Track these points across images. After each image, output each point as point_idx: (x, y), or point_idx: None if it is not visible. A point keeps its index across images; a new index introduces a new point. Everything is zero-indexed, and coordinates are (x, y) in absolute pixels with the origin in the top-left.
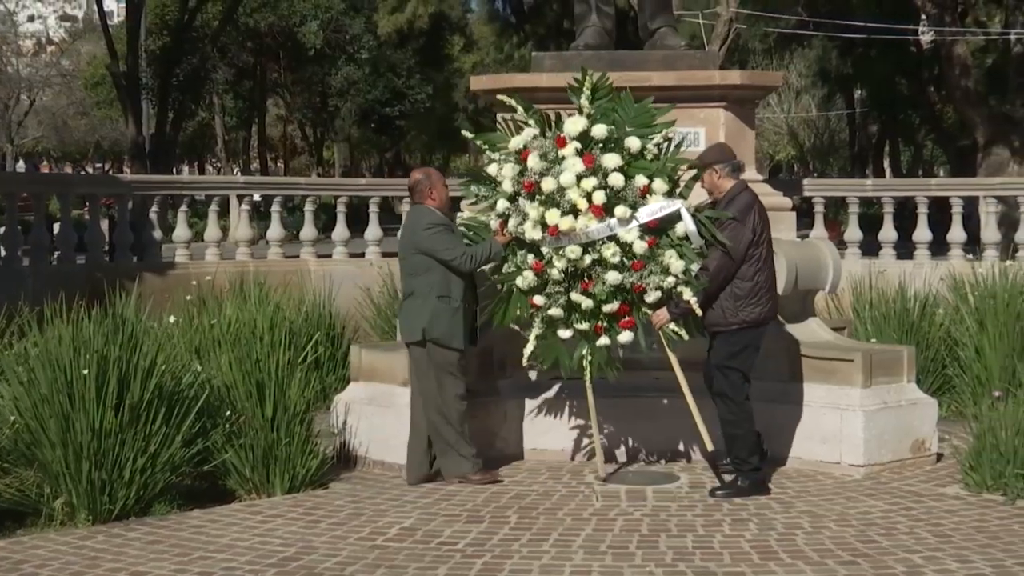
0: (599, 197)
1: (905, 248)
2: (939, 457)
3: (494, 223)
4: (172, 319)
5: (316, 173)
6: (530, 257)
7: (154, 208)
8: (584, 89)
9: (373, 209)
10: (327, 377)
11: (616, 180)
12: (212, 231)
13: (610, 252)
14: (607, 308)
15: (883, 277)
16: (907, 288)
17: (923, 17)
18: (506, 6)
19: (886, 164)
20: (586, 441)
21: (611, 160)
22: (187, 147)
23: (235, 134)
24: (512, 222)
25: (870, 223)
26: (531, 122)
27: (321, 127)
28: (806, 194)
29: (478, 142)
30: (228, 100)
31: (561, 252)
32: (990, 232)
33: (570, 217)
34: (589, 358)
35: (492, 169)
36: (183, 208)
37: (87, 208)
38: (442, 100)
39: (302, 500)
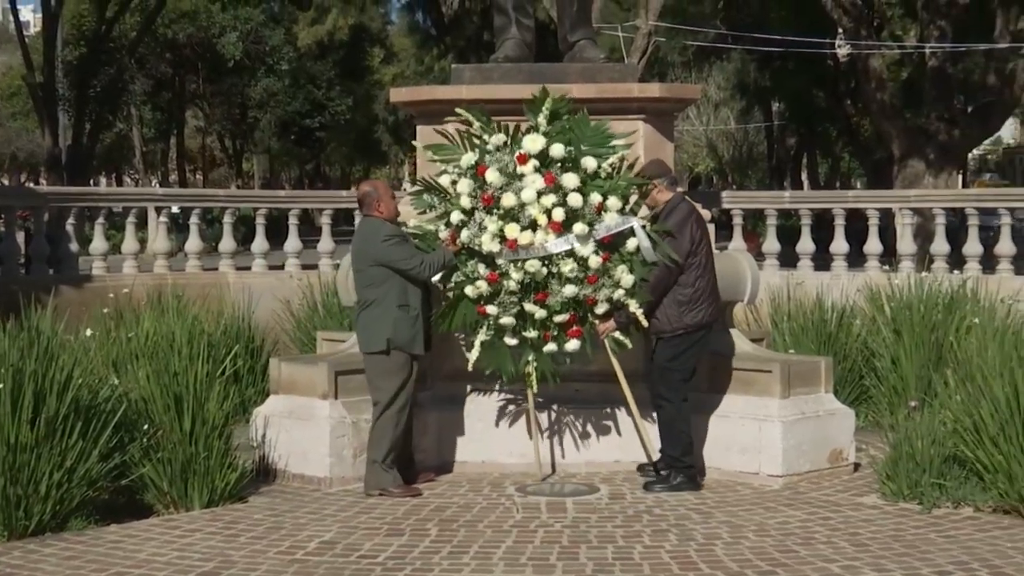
0: (559, 214)
1: (823, 260)
2: (856, 467)
3: (444, 233)
4: (89, 332)
5: (235, 185)
6: (481, 267)
7: (71, 220)
8: (543, 108)
9: (293, 221)
10: (246, 390)
11: (575, 200)
12: (130, 243)
13: (568, 268)
14: (558, 319)
15: (801, 288)
16: (825, 299)
17: (840, 31)
18: (426, 18)
19: (804, 176)
20: (506, 452)
21: (570, 180)
22: (104, 159)
23: (153, 146)
24: (466, 233)
25: (788, 235)
26: (486, 136)
27: (240, 139)
28: (725, 206)
29: (430, 153)
30: (146, 111)
31: (520, 265)
32: (906, 244)
33: (529, 231)
34: (534, 365)
35: (445, 180)
36: (100, 220)
37: (2, 220)
38: (362, 112)
39: (221, 514)
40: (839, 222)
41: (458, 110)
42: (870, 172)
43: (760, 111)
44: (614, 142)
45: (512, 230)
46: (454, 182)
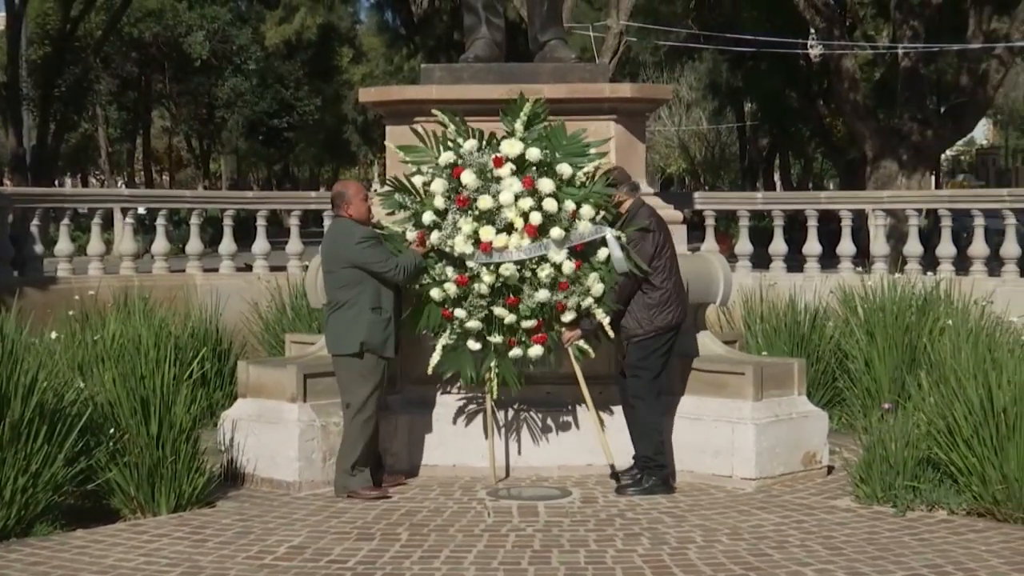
0: (536, 218)
1: (795, 261)
2: (830, 470)
3: (412, 234)
4: (54, 335)
5: (202, 186)
6: (449, 270)
7: (35, 221)
8: (521, 114)
9: (261, 222)
10: (214, 393)
11: (550, 205)
12: (95, 245)
13: (545, 273)
14: (526, 324)
15: (774, 290)
16: (797, 301)
17: (812, 31)
18: (395, 18)
19: (776, 177)
20: (477, 456)
21: (547, 185)
22: (69, 159)
23: (119, 146)
24: (436, 235)
25: (761, 236)
26: (460, 139)
27: (207, 139)
28: (697, 207)
29: (401, 153)
30: (112, 111)
31: (492, 268)
32: (879, 245)
33: (504, 235)
34: (496, 370)
35: (418, 181)
36: (65, 221)
37: None
38: (331, 112)
39: (188, 519)
40: (812, 223)
41: (434, 111)
42: (843, 173)
43: (732, 112)
44: (592, 151)
45: (487, 232)
46: (427, 183)
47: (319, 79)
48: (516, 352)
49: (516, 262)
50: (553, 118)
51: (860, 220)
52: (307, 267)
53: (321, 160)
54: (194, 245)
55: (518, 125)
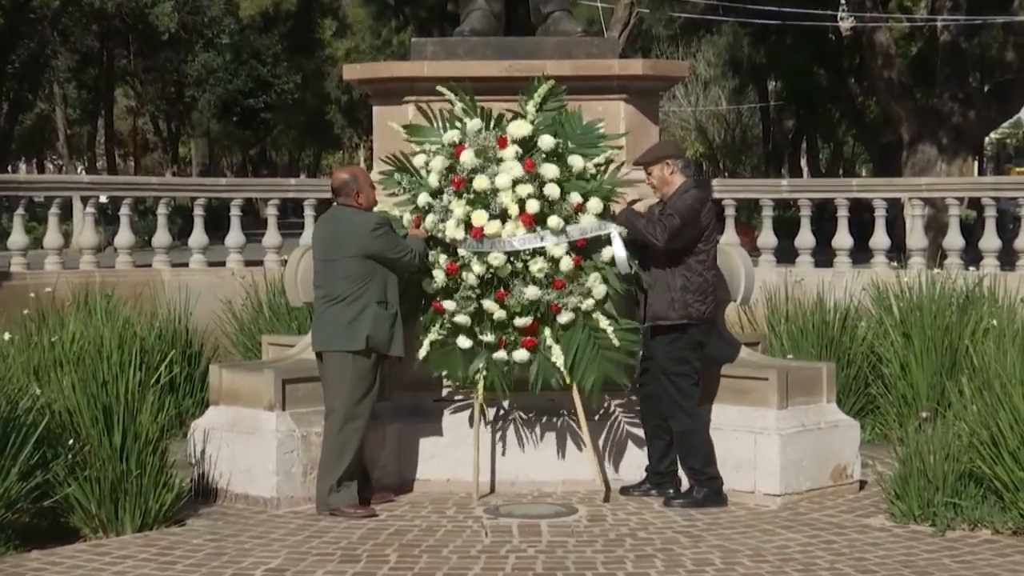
0: (532, 206)
1: (824, 255)
2: (862, 485)
3: (408, 218)
4: (7, 336)
5: (171, 172)
6: (443, 258)
7: None
8: (535, 95)
9: (235, 212)
10: (183, 401)
11: (552, 191)
12: (53, 237)
13: (537, 267)
14: (520, 322)
15: (800, 287)
16: (826, 299)
17: (842, 2)
18: None
19: (803, 163)
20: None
21: (550, 170)
22: (24, 142)
23: (79, 128)
24: (430, 219)
25: (786, 227)
26: (467, 117)
27: (176, 120)
28: (716, 196)
29: (402, 132)
30: (71, 90)
31: (483, 257)
32: (916, 237)
33: (497, 222)
34: (484, 372)
35: (419, 160)
36: (19, 211)
37: None
38: (312, 90)
39: (155, 539)
40: (842, 213)
41: (440, 88)
42: (876, 158)
43: (755, 91)
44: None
45: (479, 217)
46: (428, 163)
47: (299, 54)
48: (500, 355)
49: (508, 252)
50: (569, 98)
51: (895, 210)
52: (286, 262)
53: (301, 144)
54: (161, 237)
55: (530, 107)
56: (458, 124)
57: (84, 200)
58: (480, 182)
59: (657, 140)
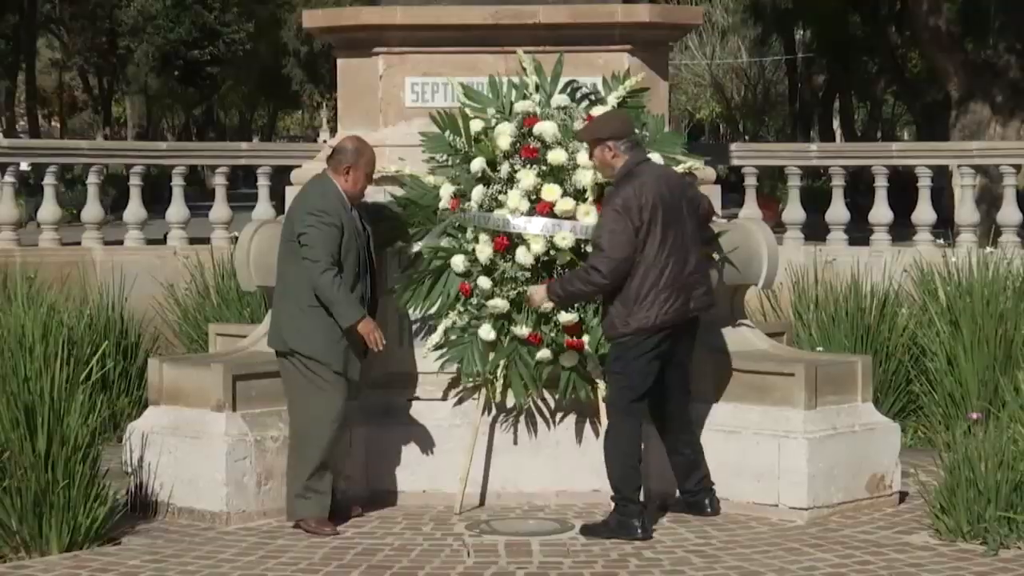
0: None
1: (859, 231)
2: (903, 497)
3: (447, 192)
4: None
5: (102, 135)
6: (483, 235)
7: None
8: (623, 84)
9: (178, 182)
10: (118, 400)
11: None
12: None
13: None
14: (565, 318)
15: (831, 268)
16: (862, 282)
17: None
18: None
19: (835, 125)
20: (455, 479)
21: None
22: None
23: None
24: (479, 191)
25: (815, 199)
26: (541, 92)
27: (109, 75)
28: (735, 163)
29: (467, 100)
30: None
31: (549, 237)
32: (966, 211)
33: (570, 199)
34: (504, 371)
35: (476, 125)
36: None
37: None
38: (267, 41)
39: (86, 560)
40: (880, 183)
41: (520, 54)
42: (920, 119)
43: (780, 41)
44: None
45: (551, 192)
46: (489, 126)
47: None
48: (544, 353)
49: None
50: (566, 50)
51: (942, 179)
52: (237, 239)
53: (254, 102)
54: (92, 211)
55: (611, 98)
56: (529, 94)
57: (2, 167)
58: (557, 155)
59: (665, 98)
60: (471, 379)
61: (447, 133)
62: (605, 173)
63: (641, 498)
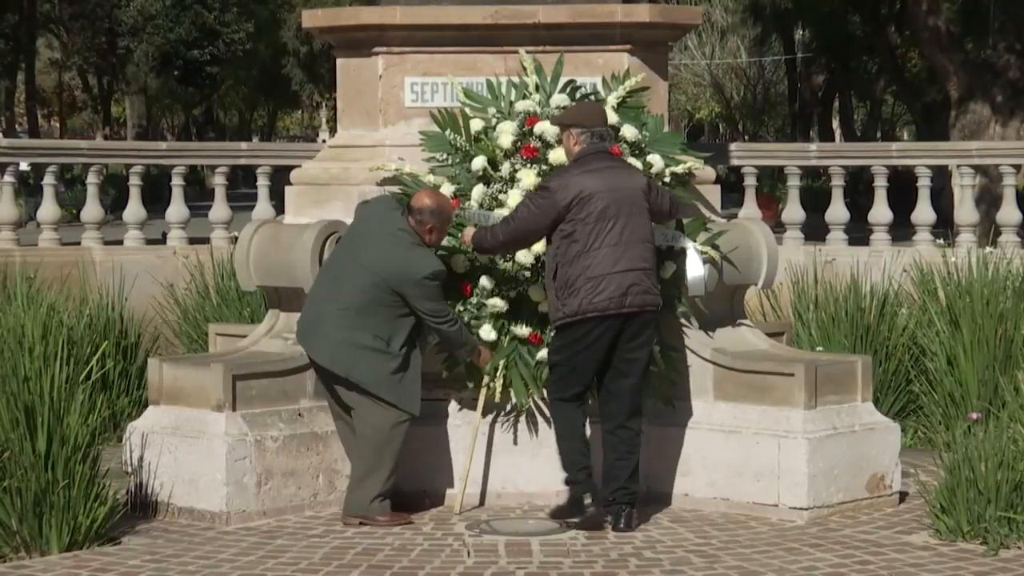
0: None
1: (859, 231)
2: (903, 497)
3: (447, 191)
4: None
5: (102, 135)
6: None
7: None
8: (623, 85)
9: (177, 182)
10: (118, 400)
11: None
12: None
13: None
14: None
15: (831, 268)
16: (861, 282)
17: None
18: None
19: (835, 124)
20: (456, 478)
21: (635, 164)
22: None
23: None
24: (479, 190)
25: (815, 199)
26: (540, 91)
27: (108, 75)
28: (734, 162)
29: (467, 100)
30: None
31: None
32: (966, 211)
33: None
34: (505, 372)
35: (476, 125)
36: None
37: None
38: (267, 41)
39: (86, 560)
40: (880, 183)
41: (522, 54)
42: (920, 119)
43: (779, 41)
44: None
45: None
46: (489, 126)
47: None
48: (544, 354)
49: None
50: (566, 50)
51: (942, 179)
52: (236, 239)
53: (253, 102)
54: (92, 211)
55: (611, 98)
56: (529, 93)
57: (1, 167)
58: (557, 155)
59: (665, 98)
60: (472, 379)
61: (448, 132)
62: (569, 160)
63: (590, 477)
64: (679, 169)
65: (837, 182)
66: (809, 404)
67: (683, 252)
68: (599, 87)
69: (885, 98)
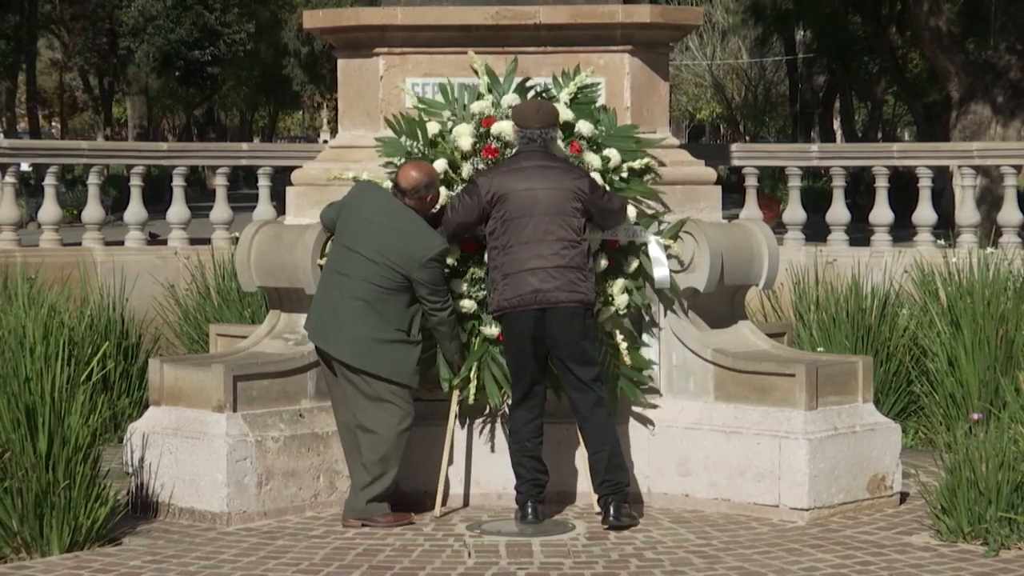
0: None
1: (860, 232)
2: (904, 498)
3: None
4: None
5: (103, 135)
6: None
7: None
8: (573, 81)
9: (178, 182)
10: (119, 400)
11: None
12: None
13: None
14: None
15: (832, 269)
16: (862, 283)
17: None
18: None
19: (836, 125)
20: (456, 480)
21: (594, 160)
22: None
23: None
24: (445, 193)
25: (816, 200)
26: (493, 92)
27: (109, 76)
28: (735, 163)
29: (420, 106)
30: None
31: None
32: (967, 211)
33: None
34: (477, 373)
35: (432, 128)
36: None
37: None
38: (267, 41)
39: (87, 560)
40: (881, 184)
41: (471, 55)
42: (921, 120)
43: (780, 41)
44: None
45: None
46: (445, 129)
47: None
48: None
49: None
50: (567, 50)
51: (943, 180)
52: (238, 239)
53: (255, 103)
54: (93, 211)
55: (564, 95)
56: (484, 95)
57: (3, 168)
58: None
59: (665, 98)
60: (446, 382)
61: (403, 138)
62: None
63: (527, 483)
64: (636, 164)
65: (838, 183)
66: (810, 405)
67: (644, 247)
68: (550, 85)
69: (886, 99)
